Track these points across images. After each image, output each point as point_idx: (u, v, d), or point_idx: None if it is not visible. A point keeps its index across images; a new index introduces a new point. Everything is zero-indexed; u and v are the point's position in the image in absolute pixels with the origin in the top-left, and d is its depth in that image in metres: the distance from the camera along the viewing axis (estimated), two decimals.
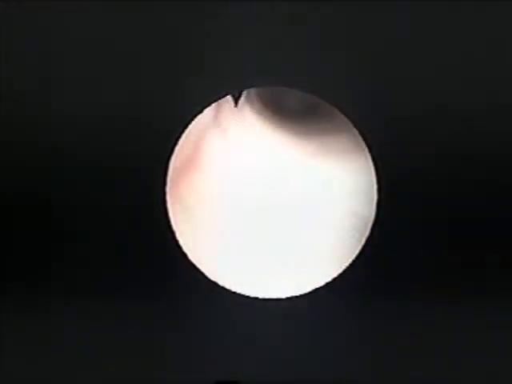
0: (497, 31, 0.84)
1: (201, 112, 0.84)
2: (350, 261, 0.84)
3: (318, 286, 0.84)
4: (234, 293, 0.84)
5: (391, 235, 0.84)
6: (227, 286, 0.84)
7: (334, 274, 0.84)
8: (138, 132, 0.84)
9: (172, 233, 0.84)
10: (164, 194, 0.84)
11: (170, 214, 0.84)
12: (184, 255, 0.84)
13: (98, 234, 0.84)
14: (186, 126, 0.84)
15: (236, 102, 0.84)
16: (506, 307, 0.84)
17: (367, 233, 0.84)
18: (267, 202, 0.86)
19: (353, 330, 0.84)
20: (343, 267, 0.84)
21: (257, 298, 0.84)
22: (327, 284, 0.84)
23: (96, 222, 0.84)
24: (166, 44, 0.84)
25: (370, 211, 0.84)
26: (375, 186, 0.84)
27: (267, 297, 0.84)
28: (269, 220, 0.86)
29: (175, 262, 0.84)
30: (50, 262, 0.84)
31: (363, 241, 0.84)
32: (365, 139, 0.84)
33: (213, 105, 0.83)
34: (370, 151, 0.84)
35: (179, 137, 0.84)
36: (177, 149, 0.84)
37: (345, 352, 0.84)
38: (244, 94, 0.85)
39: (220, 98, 0.85)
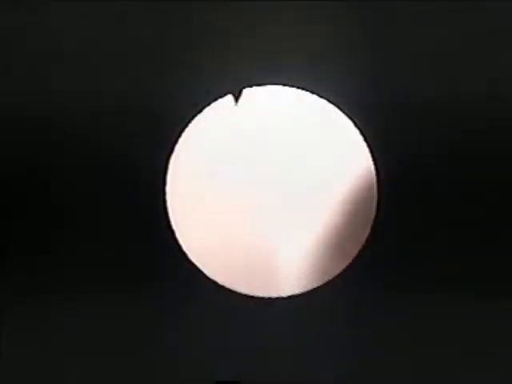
0: (497, 29, 0.84)
1: (201, 112, 0.85)
2: (350, 261, 0.84)
3: (317, 286, 0.84)
4: (234, 292, 0.84)
5: (391, 235, 0.84)
6: (227, 286, 0.85)
7: (334, 274, 0.84)
8: (138, 132, 0.84)
9: (172, 233, 0.84)
10: (164, 193, 0.84)
11: (170, 214, 0.84)
12: (184, 255, 0.84)
13: (98, 234, 0.84)
14: (185, 126, 0.84)
15: (236, 101, 0.84)
16: (506, 307, 0.84)
17: (367, 233, 0.84)
18: (267, 202, 0.86)
19: (353, 329, 0.84)
20: (343, 267, 0.84)
21: (257, 298, 0.84)
22: (327, 284, 0.84)
23: (96, 221, 0.84)
24: (166, 44, 0.84)
25: (369, 212, 0.84)
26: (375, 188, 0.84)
27: (267, 296, 0.84)
28: (269, 220, 0.86)
29: (175, 262, 0.84)
30: (50, 262, 0.84)
31: (363, 241, 0.84)
32: (365, 139, 0.84)
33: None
34: (370, 151, 0.84)
35: (179, 137, 0.84)
36: (177, 149, 0.84)
37: (345, 352, 0.84)
38: None
39: (220, 98, 0.85)
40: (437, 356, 0.84)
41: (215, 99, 0.85)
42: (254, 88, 0.85)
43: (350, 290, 0.84)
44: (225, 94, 0.85)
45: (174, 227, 0.84)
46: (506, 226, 0.84)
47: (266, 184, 0.86)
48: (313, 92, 0.84)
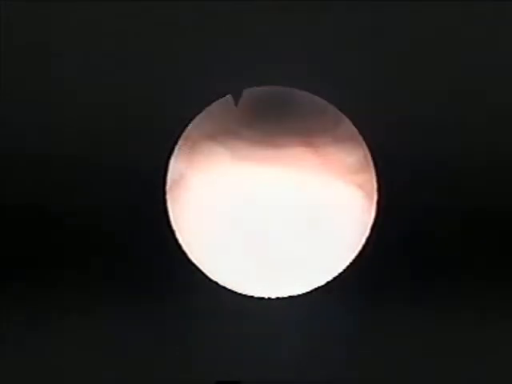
0: (496, 35, 0.84)
1: (201, 112, 0.85)
2: (350, 261, 0.84)
3: (317, 286, 0.84)
4: (234, 293, 0.84)
5: (391, 235, 0.84)
6: (227, 286, 0.85)
7: (334, 274, 0.84)
8: (138, 132, 0.84)
9: (172, 233, 0.84)
10: (164, 193, 0.84)
11: (170, 214, 0.84)
12: (184, 255, 0.84)
13: (99, 234, 0.84)
14: (185, 127, 0.84)
15: (236, 101, 0.84)
16: (506, 307, 0.84)
17: (367, 233, 0.84)
18: (267, 201, 0.86)
19: (352, 330, 0.84)
20: (343, 267, 0.84)
21: (257, 298, 0.84)
22: (327, 284, 0.84)
23: (96, 222, 0.84)
24: (165, 44, 0.84)
25: (369, 212, 0.84)
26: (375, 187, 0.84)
27: (267, 297, 0.84)
28: (269, 219, 0.86)
29: (175, 261, 0.84)
30: (50, 262, 0.84)
31: (363, 241, 0.84)
32: (365, 139, 0.84)
33: None
34: (371, 151, 0.84)
35: (179, 137, 0.84)
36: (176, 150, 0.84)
37: (344, 352, 0.84)
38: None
39: (220, 98, 0.85)
40: (437, 356, 0.84)
41: (215, 99, 0.85)
42: (254, 88, 0.85)
43: (350, 290, 0.84)
44: (225, 94, 0.85)
45: (174, 227, 0.84)
46: (506, 227, 0.84)
47: (265, 183, 0.86)
48: (313, 92, 0.84)
